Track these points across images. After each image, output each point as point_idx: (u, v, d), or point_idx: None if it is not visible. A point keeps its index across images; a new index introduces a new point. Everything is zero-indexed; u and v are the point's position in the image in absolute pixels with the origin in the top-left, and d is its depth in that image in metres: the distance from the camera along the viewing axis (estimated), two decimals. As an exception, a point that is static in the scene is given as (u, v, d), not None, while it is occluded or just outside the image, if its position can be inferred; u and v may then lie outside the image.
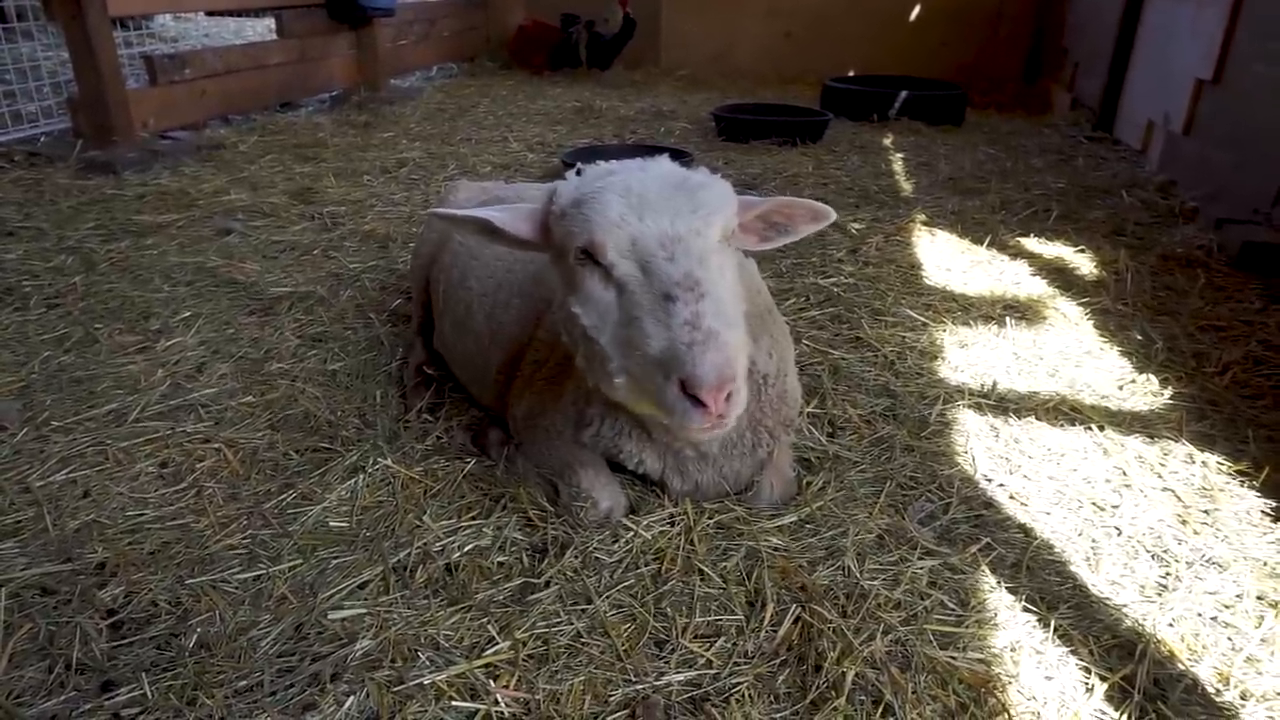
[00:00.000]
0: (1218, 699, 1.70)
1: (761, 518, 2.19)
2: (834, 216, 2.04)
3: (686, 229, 1.75)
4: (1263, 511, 2.27)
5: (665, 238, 1.73)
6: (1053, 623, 1.86)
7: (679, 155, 2.20)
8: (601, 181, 1.82)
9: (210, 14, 11.27)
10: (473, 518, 2.20)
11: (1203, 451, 2.53)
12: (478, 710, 1.64)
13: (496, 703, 1.66)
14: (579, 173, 1.93)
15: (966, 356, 3.16)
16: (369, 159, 5.81)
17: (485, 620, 1.86)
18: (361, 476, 2.34)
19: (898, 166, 5.95)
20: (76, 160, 5.24)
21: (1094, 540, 2.16)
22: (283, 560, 2.05)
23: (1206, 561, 2.08)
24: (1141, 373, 3.00)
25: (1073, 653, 1.80)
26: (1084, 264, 4.09)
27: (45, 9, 5.24)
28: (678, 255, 1.72)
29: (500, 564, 2.05)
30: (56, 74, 6.59)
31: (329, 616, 1.87)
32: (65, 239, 4.07)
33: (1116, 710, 1.67)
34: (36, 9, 6.38)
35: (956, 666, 1.74)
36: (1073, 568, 2.06)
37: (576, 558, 2.04)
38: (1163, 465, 2.47)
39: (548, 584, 1.97)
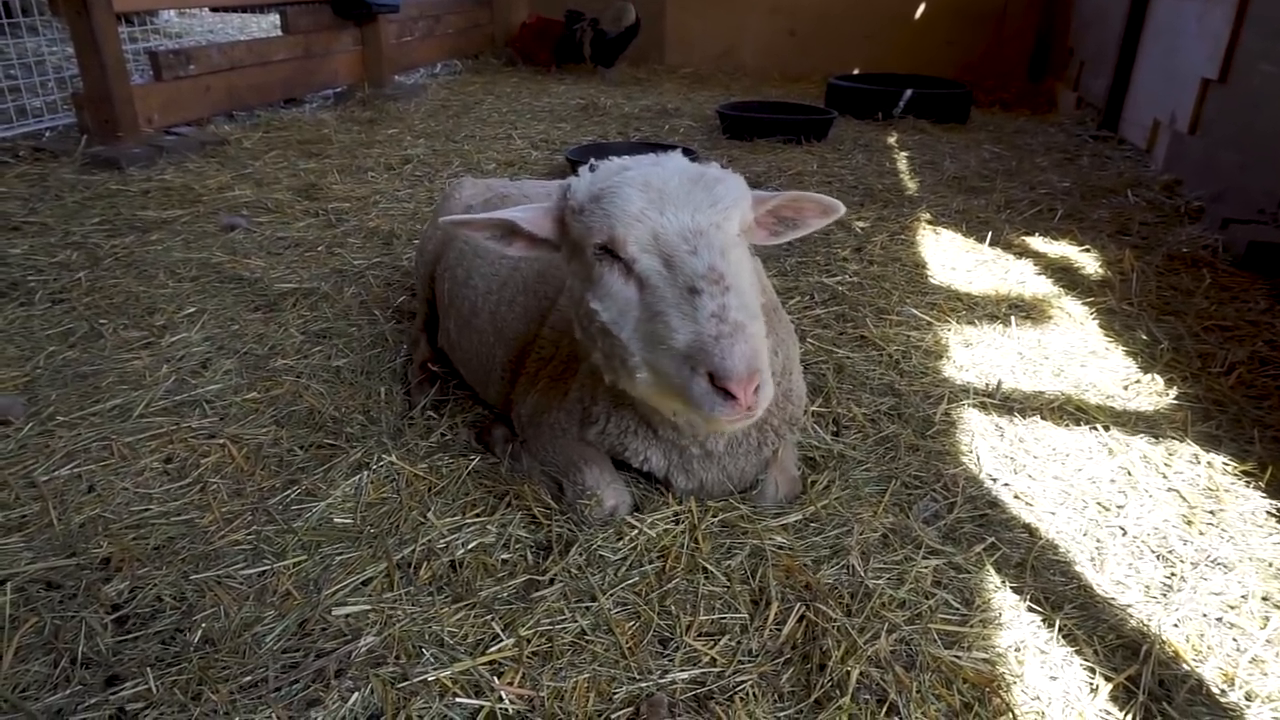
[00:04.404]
0: (1223, 700, 1.70)
1: (766, 516, 2.19)
2: (843, 210, 2.03)
3: (707, 222, 1.75)
4: (1268, 512, 2.27)
5: (687, 231, 1.73)
6: (1057, 622, 1.86)
7: (685, 153, 2.19)
8: (618, 176, 1.82)
9: (215, 10, 11.26)
10: (477, 515, 2.20)
11: (1208, 452, 2.52)
12: (482, 707, 1.64)
13: (500, 700, 1.66)
14: (592, 168, 1.92)
15: (971, 356, 3.16)
16: (373, 155, 5.81)
17: (489, 617, 1.86)
18: (366, 473, 2.35)
19: (902, 165, 5.95)
20: (81, 155, 5.25)
21: (1099, 540, 2.16)
22: (287, 556, 2.05)
23: (1212, 562, 2.08)
24: (1147, 373, 3.00)
25: (1077, 653, 1.80)
26: (1089, 263, 4.08)
27: (51, 4, 5.23)
28: (700, 248, 1.71)
29: (504, 561, 2.05)
30: (62, 69, 6.59)
31: (333, 613, 1.87)
32: (70, 234, 4.08)
33: (1121, 711, 1.66)
34: (42, 4, 6.40)
35: (961, 666, 1.74)
36: (1077, 568, 2.06)
37: (581, 555, 2.04)
38: (1168, 465, 2.47)
39: (552, 581, 1.97)
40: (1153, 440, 2.59)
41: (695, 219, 1.74)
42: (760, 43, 10.07)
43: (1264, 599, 1.95)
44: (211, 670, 1.71)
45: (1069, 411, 2.75)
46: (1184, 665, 1.77)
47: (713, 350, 1.61)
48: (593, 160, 1.95)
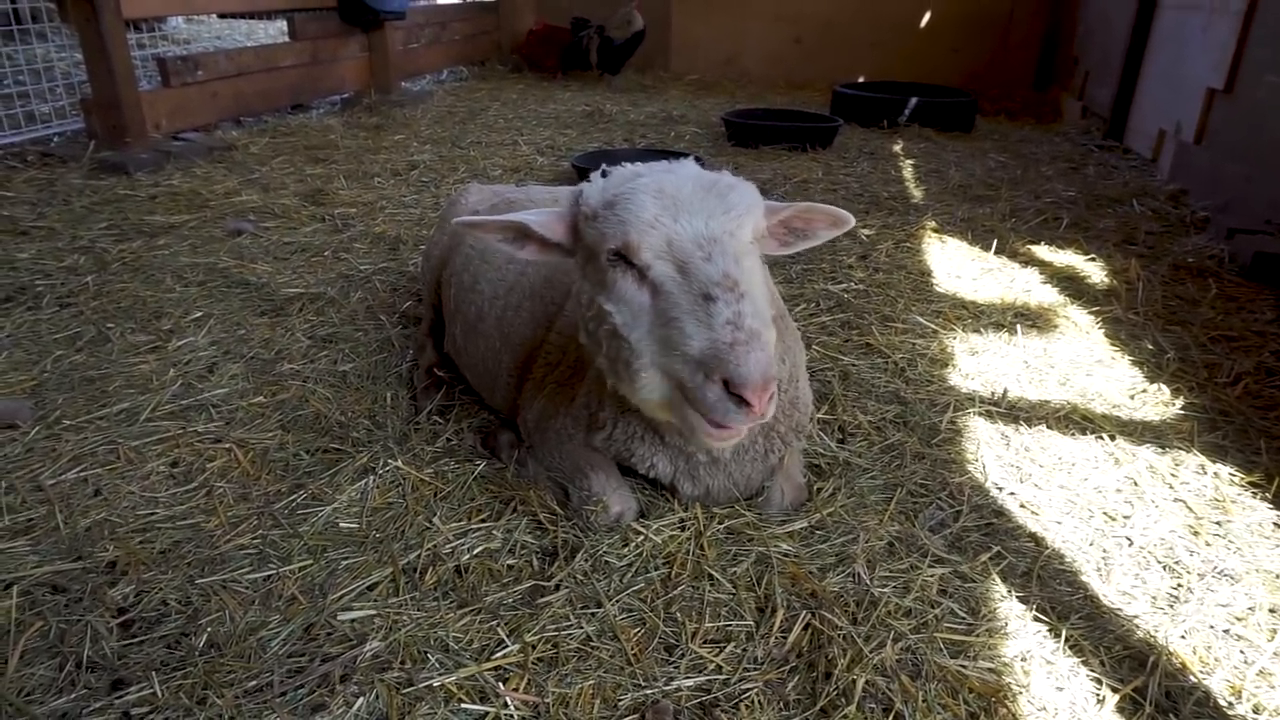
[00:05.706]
0: (1230, 712, 1.69)
1: (772, 523, 2.19)
2: (853, 222, 2.03)
3: (721, 230, 1.75)
4: (1275, 523, 2.26)
5: (702, 238, 1.73)
6: (1064, 633, 1.85)
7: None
8: (632, 183, 1.82)
9: (222, 16, 11.33)
10: (483, 520, 2.20)
11: (1214, 462, 2.52)
12: (487, 713, 1.64)
13: (505, 705, 1.66)
14: (604, 174, 1.92)
15: (977, 364, 3.15)
16: (380, 161, 5.83)
17: (495, 623, 1.86)
18: (372, 478, 2.35)
19: (908, 173, 5.95)
20: (89, 161, 5.27)
21: (1105, 550, 2.15)
22: (293, 561, 2.05)
23: (1218, 573, 2.07)
24: (1153, 382, 2.99)
25: (1084, 663, 1.79)
26: (1095, 272, 4.08)
27: (60, 11, 5.29)
28: (715, 255, 1.71)
29: (510, 567, 2.05)
30: (70, 75, 6.63)
31: (339, 617, 1.87)
32: (78, 239, 4.09)
33: (1128, 721, 1.66)
34: (51, 11, 6.43)
35: (967, 675, 1.73)
36: (1084, 578, 2.05)
37: (586, 561, 2.04)
38: (1174, 476, 2.46)
39: (557, 587, 1.97)
40: (1159, 450, 2.59)
41: (709, 226, 1.74)
42: (765, 50, 10.09)
43: (1271, 611, 1.95)
44: (217, 674, 1.71)
45: (1075, 421, 2.75)
46: (1191, 677, 1.76)
47: (728, 357, 1.60)
48: (605, 166, 1.96)
